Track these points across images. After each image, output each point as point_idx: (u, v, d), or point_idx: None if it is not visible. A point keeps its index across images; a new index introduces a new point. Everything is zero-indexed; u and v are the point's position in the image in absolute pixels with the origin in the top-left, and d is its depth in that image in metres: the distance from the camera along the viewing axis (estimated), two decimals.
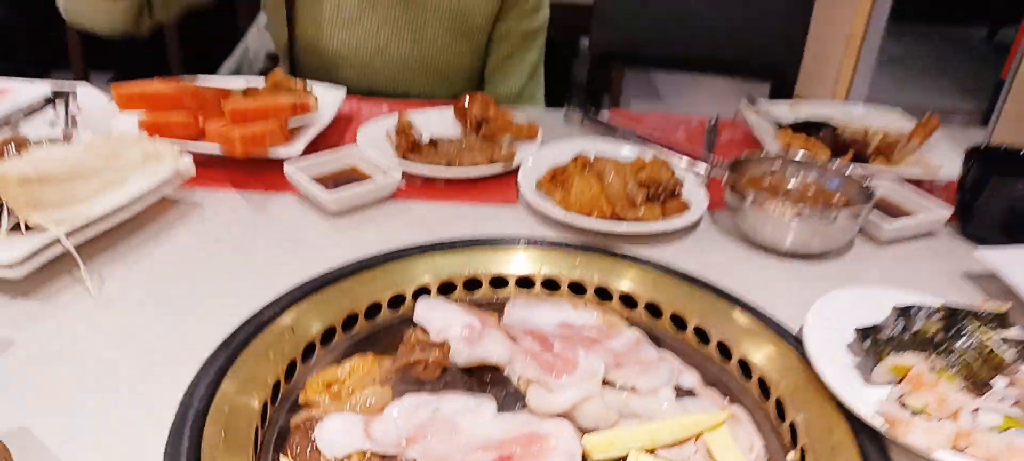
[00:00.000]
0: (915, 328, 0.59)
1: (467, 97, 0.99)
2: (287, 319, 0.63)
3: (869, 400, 0.55)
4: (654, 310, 0.71)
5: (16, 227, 0.65)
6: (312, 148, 0.88)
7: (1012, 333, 0.59)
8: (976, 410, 0.53)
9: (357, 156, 0.87)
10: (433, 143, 0.94)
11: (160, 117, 0.84)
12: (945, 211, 0.82)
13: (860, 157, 0.93)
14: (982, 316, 0.60)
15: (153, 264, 0.69)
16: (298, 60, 1.17)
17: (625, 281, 0.73)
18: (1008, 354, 0.57)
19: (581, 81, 2.45)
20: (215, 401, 0.54)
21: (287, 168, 0.82)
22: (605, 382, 0.63)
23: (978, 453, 0.50)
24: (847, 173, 0.81)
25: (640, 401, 0.62)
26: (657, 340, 0.69)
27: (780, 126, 1.00)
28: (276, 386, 0.59)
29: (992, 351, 0.56)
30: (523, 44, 1.24)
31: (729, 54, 1.74)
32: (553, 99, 1.34)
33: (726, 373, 0.66)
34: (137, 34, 1.09)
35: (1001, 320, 0.60)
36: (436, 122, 1.00)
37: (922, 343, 0.58)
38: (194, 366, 0.56)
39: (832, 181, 0.82)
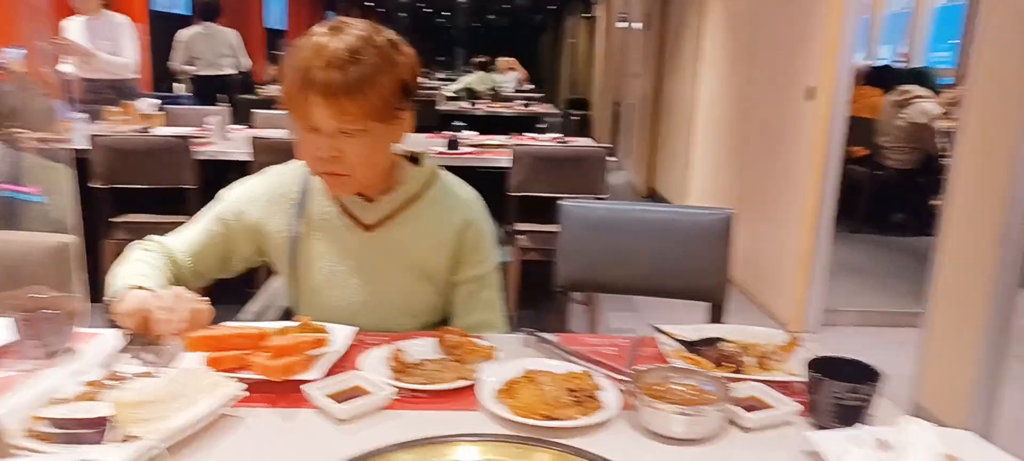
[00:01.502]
0: None
1: (442, 331, 1.31)
2: None
3: None
4: None
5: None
6: (328, 373, 1.18)
7: None
8: None
9: (360, 377, 1.17)
10: (419, 364, 1.24)
11: (217, 356, 1.15)
12: (796, 406, 1.11)
13: (739, 369, 1.24)
14: None
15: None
16: (305, 312, 1.51)
17: None
18: None
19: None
20: None
21: (307, 390, 1.11)
22: None
23: None
24: (719, 378, 1.11)
25: None
26: None
27: (682, 343, 1.32)
28: None
29: None
30: (479, 287, 1.56)
31: (669, 284, 2.10)
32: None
33: None
34: None
35: None
36: (424, 348, 1.32)
37: None
38: None
39: (709, 385, 1.12)
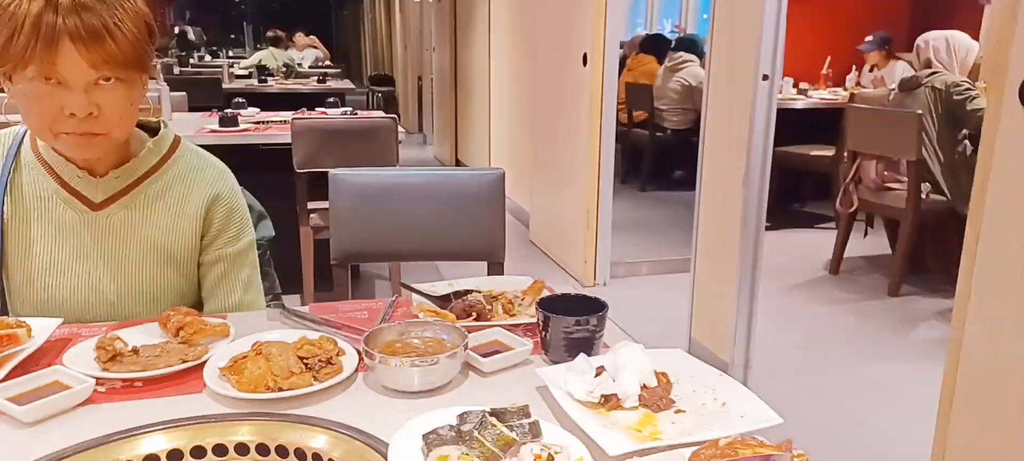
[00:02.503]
0: (462, 426, 0.86)
1: (169, 312, 1.19)
2: None
3: None
4: (300, 454, 0.93)
5: None
6: (23, 373, 1.02)
7: (527, 420, 0.88)
8: None
9: (60, 373, 1.03)
10: (135, 351, 1.12)
11: None
12: (531, 345, 1.14)
13: (482, 317, 1.25)
14: (510, 412, 0.89)
15: None
16: (14, 308, 1.31)
17: (276, 436, 0.94)
18: (516, 435, 0.85)
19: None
20: None
21: None
22: None
23: None
24: (457, 327, 1.11)
25: None
26: None
27: (431, 299, 1.31)
28: None
29: (505, 435, 0.84)
30: (234, 265, 1.45)
31: (447, 247, 2.10)
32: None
33: None
34: None
35: (524, 412, 0.90)
36: (147, 335, 1.19)
37: (460, 437, 0.85)
38: None
39: (446, 335, 1.11)
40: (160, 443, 0.92)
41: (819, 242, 4.89)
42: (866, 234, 4.56)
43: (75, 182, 1.31)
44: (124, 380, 1.05)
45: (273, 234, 2.07)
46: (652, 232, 5.33)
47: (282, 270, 1.94)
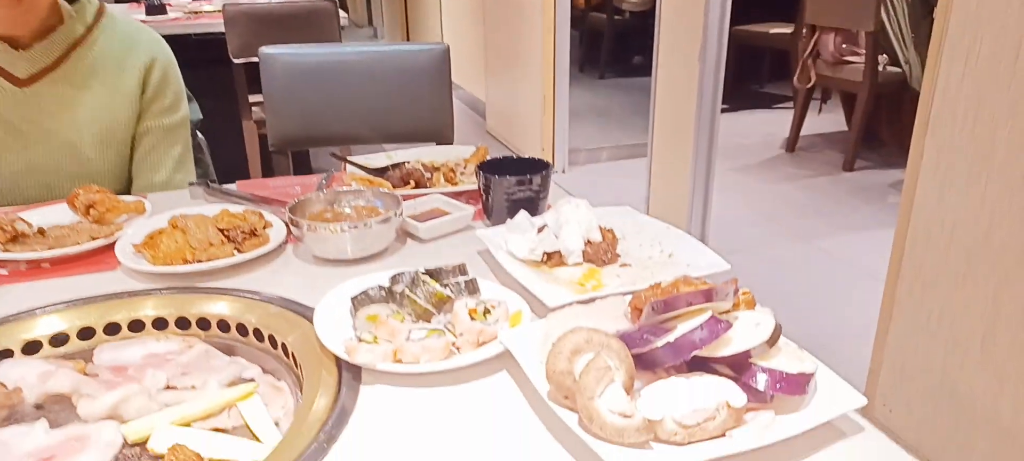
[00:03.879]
0: (393, 288, 0.80)
1: (78, 190, 1.09)
2: None
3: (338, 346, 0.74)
4: (222, 325, 0.87)
5: None
6: None
7: (463, 277, 0.82)
8: (411, 332, 0.74)
9: None
10: (41, 232, 1.03)
11: None
12: (471, 210, 1.08)
13: (420, 184, 1.17)
14: (446, 271, 0.83)
15: None
16: None
17: (198, 309, 0.87)
18: (452, 293, 0.80)
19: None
20: None
21: None
22: (170, 387, 0.77)
23: (405, 358, 0.71)
24: (390, 193, 1.04)
25: (193, 394, 0.77)
26: (230, 349, 0.85)
27: (367, 170, 1.23)
28: None
29: (438, 293, 0.79)
30: (165, 139, 1.36)
31: (393, 128, 2.00)
32: None
33: (275, 359, 0.83)
34: None
35: (462, 270, 0.84)
36: (58, 215, 1.09)
37: (391, 297, 0.79)
38: None
39: (379, 201, 1.04)
40: (68, 321, 0.85)
41: (776, 122, 4.88)
42: (820, 110, 4.56)
43: None
44: (29, 261, 0.97)
45: (201, 117, 1.94)
46: (611, 119, 5.25)
47: (225, 168, 1.84)
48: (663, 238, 0.97)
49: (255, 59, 3.29)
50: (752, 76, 5.85)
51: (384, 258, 1.00)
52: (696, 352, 0.61)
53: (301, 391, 0.77)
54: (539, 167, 1.07)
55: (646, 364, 0.63)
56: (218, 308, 0.87)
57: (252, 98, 3.44)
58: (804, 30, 4.12)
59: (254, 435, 0.71)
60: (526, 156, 1.11)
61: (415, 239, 1.05)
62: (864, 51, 3.75)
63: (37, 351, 0.83)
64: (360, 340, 0.72)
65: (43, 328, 0.84)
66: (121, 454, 0.68)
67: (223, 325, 0.87)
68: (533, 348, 0.70)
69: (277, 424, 0.73)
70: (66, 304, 0.87)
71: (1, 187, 1.22)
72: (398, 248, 1.03)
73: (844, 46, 3.94)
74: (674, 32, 3.11)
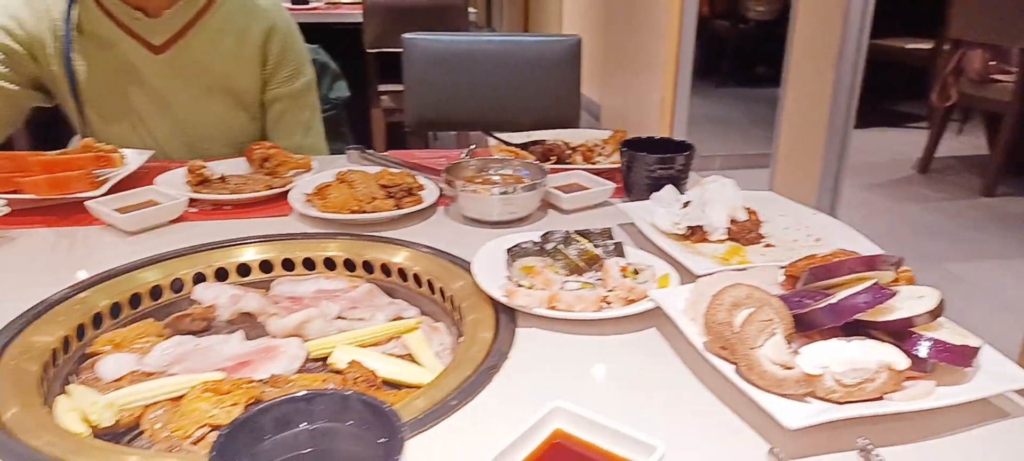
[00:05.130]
0: (546, 245, 0.85)
1: (253, 145, 1.21)
2: (80, 296, 0.81)
3: (501, 288, 0.79)
4: (385, 269, 0.94)
5: None
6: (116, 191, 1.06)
7: (610, 241, 0.86)
8: (565, 283, 0.78)
9: (153, 192, 1.07)
10: (223, 179, 1.14)
11: None
12: (611, 186, 1.11)
13: (561, 160, 1.22)
14: (594, 233, 0.87)
15: None
16: None
17: (361, 253, 0.95)
18: (601, 252, 0.83)
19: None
20: (8, 349, 0.71)
21: (88, 203, 1.00)
22: (340, 318, 0.85)
23: (560, 305, 0.75)
24: (535, 164, 1.09)
25: (362, 324, 0.84)
26: (390, 291, 0.92)
27: (509, 144, 1.29)
28: (66, 341, 0.76)
29: (589, 251, 0.83)
30: (293, 105, 1.44)
31: (521, 116, 2.06)
32: None
33: (434, 303, 0.89)
34: None
35: (607, 234, 0.88)
36: (233, 168, 1.21)
37: (546, 252, 0.84)
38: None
39: (525, 171, 1.09)
40: (253, 254, 0.95)
41: (908, 141, 4.62)
42: (960, 131, 4.28)
43: (133, 24, 1.28)
44: (214, 202, 1.08)
45: (348, 94, 2.07)
46: (728, 128, 5.14)
47: None
48: (809, 222, 0.97)
49: (388, 50, 3.48)
50: (884, 93, 5.56)
51: (527, 224, 1.05)
52: (858, 316, 0.61)
53: (458, 331, 0.83)
54: (682, 148, 1.09)
55: (804, 325, 0.64)
56: (382, 254, 0.95)
57: (381, 87, 3.61)
58: (946, 46, 3.90)
59: (417, 363, 0.78)
60: (671, 138, 1.13)
61: (556, 209, 1.10)
62: (1016, 69, 3.50)
63: (225, 278, 0.93)
64: (519, 286, 0.77)
65: (231, 258, 0.94)
66: (305, 366, 0.76)
67: (386, 269, 0.94)
68: (684, 307, 0.72)
69: (437, 356, 0.79)
70: (248, 240, 0.97)
71: (153, 149, 1.33)
72: (540, 217, 1.08)
73: (992, 63, 3.69)
74: (809, 42, 3.03)
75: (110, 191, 1.06)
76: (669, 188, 0.99)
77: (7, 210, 0.95)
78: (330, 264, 0.96)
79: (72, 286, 0.83)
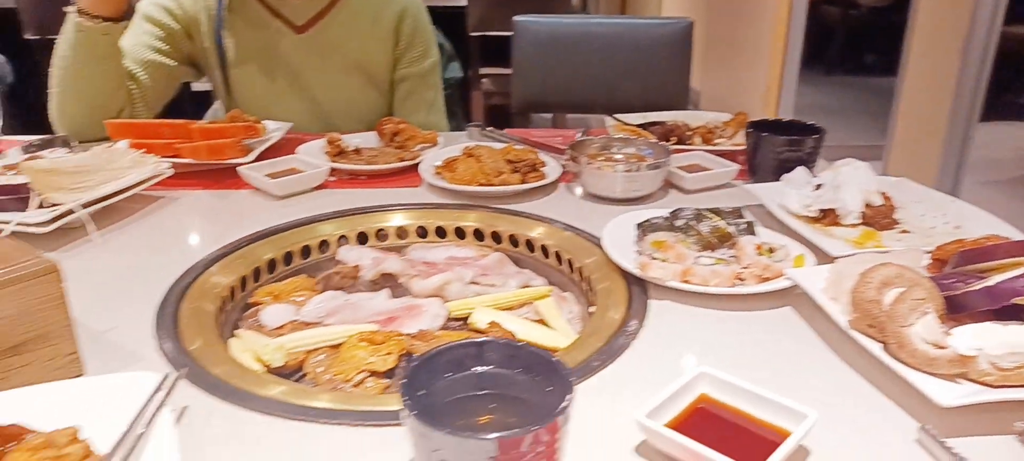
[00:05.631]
0: (676, 221, 0.87)
1: (383, 120, 1.27)
2: (240, 251, 0.89)
3: (634, 261, 0.81)
4: (513, 240, 0.98)
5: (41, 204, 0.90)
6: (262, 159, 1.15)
7: (741, 219, 0.87)
8: (698, 257, 0.79)
9: (296, 161, 1.14)
10: (357, 150, 1.21)
11: (143, 142, 1.10)
12: (735, 167, 1.11)
13: (682, 141, 1.22)
14: (724, 212, 0.88)
15: (144, 230, 0.95)
16: None
17: (491, 225, 1.00)
18: (733, 230, 0.84)
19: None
20: (189, 292, 0.79)
21: (241, 169, 1.08)
22: (474, 283, 0.89)
23: (694, 279, 0.76)
24: (659, 144, 1.10)
25: (494, 290, 0.88)
26: (517, 261, 0.96)
27: (628, 125, 1.30)
28: (232, 290, 0.84)
29: (721, 228, 0.84)
30: (419, 85, 1.50)
31: (630, 99, 2.06)
32: None
33: (562, 274, 0.92)
34: None
35: (738, 213, 0.88)
36: (365, 142, 1.28)
37: (676, 228, 0.85)
38: (172, 279, 0.81)
39: (648, 150, 1.10)
40: (401, 220, 1.01)
41: None
42: None
43: (279, 5, 1.36)
44: (350, 171, 1.15)
45: (462, 75, 2.13)
46: (836, 118, 4.93)
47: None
48: (947, 209, 0.94)
49: (491, 33, 3.53)
50: (1012, 85, 5.20)
51: (648, 203, 1.06)
52: (1017, 299, 0.60)
53: (586, 301, 0.86)
54: (812, 131, 1.07)
55: (956, 307, 0.63)
56: (515, 226, 0.99)
57: (482, 70, 3.67)
58: None
59: (550, 328, 0.81)
60: (800, 120, 1.12)
61: (677, 189, 1.11)
62: None
63: (365, 242, 0.99)
64: (652, 258, 0.79)
65: (374, 223, 1.00)
66: (446, 324, 0.80)
67: (514, 240, 0.98)
68: (823, 287, 0.72)
69: (568, 323, 0.82)
70: (393, 208, 1.03)
71: (290, 122, 1.42)
72: (662, 196, 1.09)
73: None
74: (932, 29, 2.87)
75: (256, 159, 1.14)
76: (801, 170, 0.98)
77: (171, 172, 1.04)
78: (461, 233, 1.01)
79: (233, 242, 0.90)
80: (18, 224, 0.86)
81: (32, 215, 0.88)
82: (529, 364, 0.51)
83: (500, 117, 3.55)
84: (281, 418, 0.58)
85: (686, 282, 0.77)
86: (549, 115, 3.05)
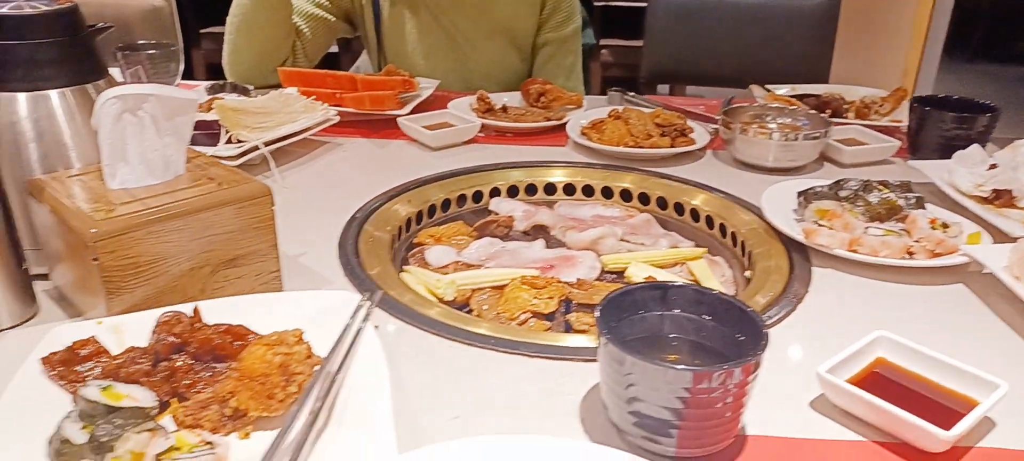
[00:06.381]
0: (840, 190, 0.85)
1: (527, 81, 1.30)
2: (407, 195, 0.94)
3: (796, 229, 0.80)
4: (661, 203, 0.99)
5: (229, 140, 0.99)
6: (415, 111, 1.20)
7: (911, 194, 0.84)
8: (867, 228, 0.78)
9: (448, 115, 1.19)
10: (504, 109, 1.25)
11: (311, 90, 1.18)
12: (895, 143, 1.06)
13: (837, 114, 1.18)
14: (891, 185, 0.85)
15: (315, 171, 1.02)
16: None
17: (640, 186, 1.01)
18: (902, 203, 0.81)
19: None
20: (367, 225, 0.85)
21: (400, 120, 1.14)
22: (624, 240, 0.91)
23: (862, 249, 0.75)
24: (817, 115, 1.07)
25: (644, 249, 0.89)
26: (663, 223, 0.97)
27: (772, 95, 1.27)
28: (399, 230, 0.89)
29: (891, 200, 0.81)
30: (560, 50, 1.52)
31: (764, 74, 1.99)
32: None
33: (712, 238, 0.93)
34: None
35: (907, 187, 0.85)
36: (509, 98, 1.32)
37: (842, 197, 0.83)
38: (348, 214, 0.87)
39: (804, 121, 1.08)
40: (536, 177, 1.04)
41: None
42: None
43: None
44: (499, 128, 1.19)
45: (595, 42, 2.13)
46: None
47: None
48: None
49: (615, 4, 3.49)
50: None
51: (802, 174, 1.04)
52: None
53: (740, 266, 0.86)
54: (984, 109, 1.02)
55: None
56: (663, 188, 0.99)
57: (602, 42, 3.64)
58: None
59: None
60: (968, 98, 1.06)
61: (833, 162, 1.08)
62: None
63: (515, 195, 1.02)
64: (819, 225, 0.78)
65: (519, 178, 1.03)
66: (601, 276, 0.83)
67: (661, 202, 0.99)
68: (1006, 265, 0.69)
69: (722, 286, 0.82)
70: (563, 163, 1.06)
71: (438, 80, 1.46)
72: (816, 168, 1.06)
73: None
74: None
75: (411, 112, 1.20)
76: (975, 148, 0.93)
77: (336, 119, 1.11)
78: (607, 192, 1.02)
79: (400, 185, 0.96)
80: (211, 156, 0.95)
81: (222, 149, 0.96)
82: (717, 311, 0.53)
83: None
84: (461, 344, 0.62)
85: (854, 251, 0.75)
86: (666, 88, 3.00)
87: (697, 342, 0.53)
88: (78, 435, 0.45)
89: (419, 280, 0.77)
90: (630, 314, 0.53)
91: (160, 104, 0.62)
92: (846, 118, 1.19)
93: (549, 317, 0.74)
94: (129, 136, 0.62)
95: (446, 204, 0.98)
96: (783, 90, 1.32)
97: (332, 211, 0.88)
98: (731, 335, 0.51)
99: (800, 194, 0.85)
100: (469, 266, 0.83)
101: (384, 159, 1.08)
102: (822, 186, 0.85)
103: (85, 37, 0.70)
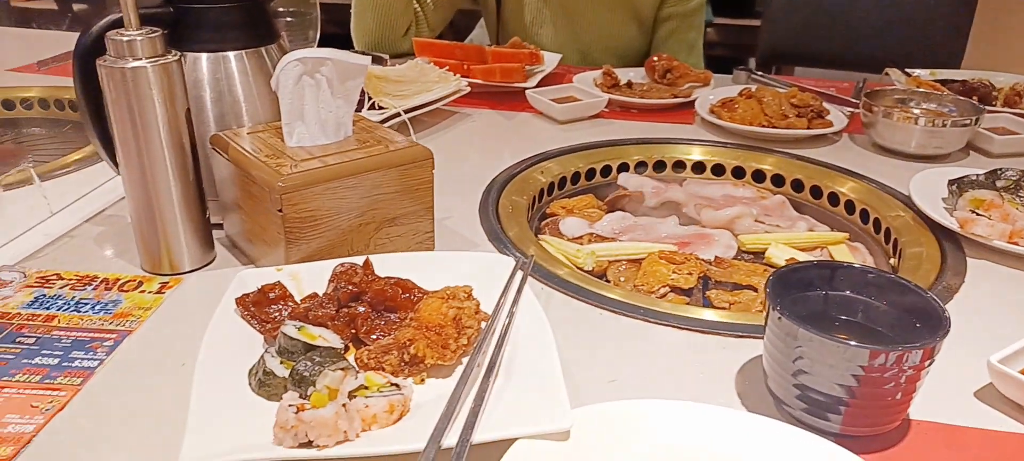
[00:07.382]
0: (996, 180, 0.81)
1: (653, 58, 1.29)
2: (537, 166, 0.96)
3: (948, 219, 0.77)
4: (797, 185, 0.97)
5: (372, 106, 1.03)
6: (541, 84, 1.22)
7: None
8: None
9: (574, 89, 1.20)
10: (629, 84, 1.25)
11: (442, 60, 1.21)
12: None
13: (984, 101, 1.12)
14: None
15: (447, 139, 1.06)
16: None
17: (774, 167, 0.99)
18: None
19: None
20: (504, 194, 0.87)
21: (529, 93, 1.16)
22: (759, 221, 0.90)
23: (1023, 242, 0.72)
24: (965, 101, 1.02)
25: (780, 231, 0.88)
26: (797, 207, 0.95)
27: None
28: (533, 200, 0.91)
29: None
30: (682, 24, 1.49)
31: (894, 56, 1.90)
32: None
33: (851, 224, 0.90)
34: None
35: None
36: (633, 74, 1.31)
37: (999, 187, 0.79)
38: (487, 180, 0.90)
39: (950, 107, 1.03)
40: (662, 154, 1.03)
41: None
42: None
43: None
44: (625, 104, 1.19)
45: (712, 19, 2.08)
46: None
47: None
48: None
49: None
50: None
51: (945, 162, 0.99)
52: None
53: (882, 253, 0.83)
54: None
55: None
56: (796, 169, 0.97)
57: (712, 19, 3.55)
58: None
59: None
60: None
61: (981, 151, 1.02)
62: None
63: (643, 170, 1.03)
64: (976, 215, 0.75)
65: (644, 154, 1.03)
66: (737, 256, 0.82)
67: (797, 185, 0.97)
68: None
69: None
70: (664, 141, 1.05)
71: (561, 54, 1.47)
72: (961, 157, 1.01)
73: None
74: None
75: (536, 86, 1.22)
76: None
77: (467, 90, 1.14)
78: (738, 172, 1.01)
79: (529, 157, 0.98)
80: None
81: (366, 115, 1.01)
82: (890, 293, 0.52)
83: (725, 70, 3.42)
84: (609, 312, 0.64)
85: (1014, 243, 0.72)
86: (772, 69, 2.89)
87: (864, 325, 0.53)
88: (279, 368, 0.49)
89: (557, 249, 0.79)
90: (796, 291, 0.53)
91: (335, 68, 0.66)
92: (994, 105, 1.13)
93: (687, 292, 0.74)
94: (307, 97, 0.66)
95: (576, 177, 0.99)
96: (922, 75, 1.26)
97: (468, 178, 0.91)
98: (904, 319, 0.50)
99: (952, 182, 0.82)
100: (602, 238, 0.84)
101: (511, 130, 1.11)
102: (978, 174, 0.82)
103: (262, 3, 0.75)
